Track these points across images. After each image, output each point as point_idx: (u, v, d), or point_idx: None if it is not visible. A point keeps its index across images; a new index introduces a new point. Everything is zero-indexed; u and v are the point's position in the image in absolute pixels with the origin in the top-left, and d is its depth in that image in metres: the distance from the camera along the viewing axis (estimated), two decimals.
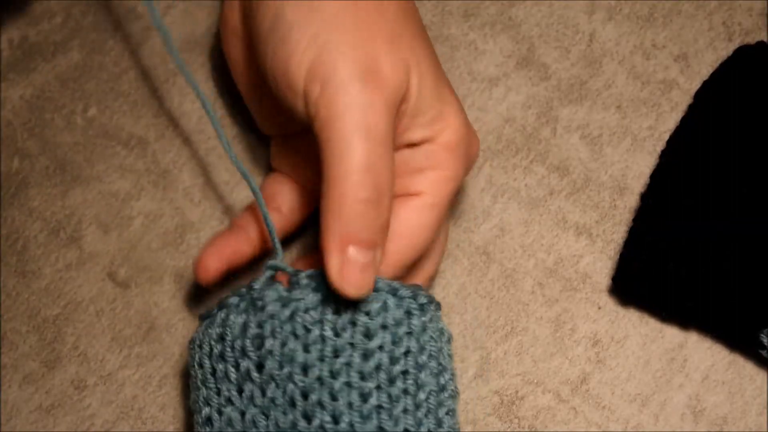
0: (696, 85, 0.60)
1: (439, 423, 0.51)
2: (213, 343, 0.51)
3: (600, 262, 0.59)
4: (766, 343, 0.56)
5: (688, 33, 0.62)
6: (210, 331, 0.52)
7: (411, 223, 0.52)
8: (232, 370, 0.51)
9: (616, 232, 0.59)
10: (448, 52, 0.62)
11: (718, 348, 0.58)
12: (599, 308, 0.59)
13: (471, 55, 0.62)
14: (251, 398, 0.50)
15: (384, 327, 0.51)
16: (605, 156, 0.60)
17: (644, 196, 0.58)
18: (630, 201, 0.60)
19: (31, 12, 0.63)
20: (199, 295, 0.59)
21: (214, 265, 0.55)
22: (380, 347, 0.50)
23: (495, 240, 0.60)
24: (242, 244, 0.56)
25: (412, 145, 0.52)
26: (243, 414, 0.50)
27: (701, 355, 0.58)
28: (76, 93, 0.62)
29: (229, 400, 0.51)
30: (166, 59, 0.62)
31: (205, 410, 0.51)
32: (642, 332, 0.58)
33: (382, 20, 0.51)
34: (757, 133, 0.57)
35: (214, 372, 0.51)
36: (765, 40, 0.60)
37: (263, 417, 0.50)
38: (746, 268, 0.55)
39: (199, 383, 0.52)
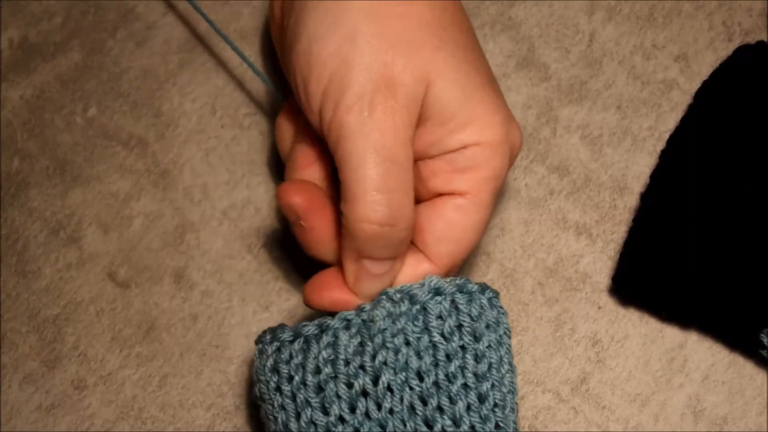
0: (696, 85, 0.60)
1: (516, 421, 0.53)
2: (320, 365, 0.51)
3: (600, 262, 0.59)
4: (766, 343, 0.56)
5: (688, 33, 0.62)
6: (311, 353, 0.51)
7: (459, 224, 0.52)
8: (345, 388, 0.50)
9: (616, 232, 0.59)
10: None
11: (718, 348, 0.58)
12: (599, 308, 0.59)
13: None
14: (366, 413, 0.50)
15: (488, 327, 0.51)
16: (605, 156, 0.60)
17: (644, 196, 0.58)
18: (630, 201, 0.60)
19: (31, 12, 0.63)
20: (201, 296, 0.59)
21: (298, 200, 0.52)
22: (489, 347, 0.51)
23: (495, 240, 0.60)
24: (333, 219, 0.53)
25: (454, 150, 0.52)
26: (357, 431, 0.50)
27: (701, 355, 0.58)
28: (76, 93, 0.62)
29: (341, 419, 0.50)
30: (166, 59, 0.62)
31: None
32: (642, 332, 0.58)
33: (406, 28, 0.50)
34: (757, 133, 0.57)
35: (318, 392, 0.51)
36: (765, 40, 0.60)
37: (380, 429, 0.50)
38: (746, 269, 0.55)
39: (296, 407, 0.51)
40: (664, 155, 0.58)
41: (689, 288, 0.56)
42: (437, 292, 0.51)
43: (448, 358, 0.51)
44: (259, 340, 0.53)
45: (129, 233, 0.60)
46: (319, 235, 0.53)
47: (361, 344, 0.51)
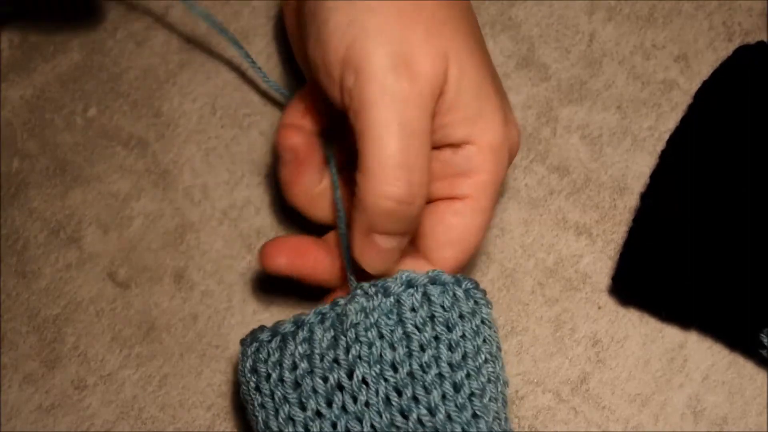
0: (696, 85, 0.60)
1: (505, 413, 0.53)
2: (297, 360, 0.51)
3: (600, 262, 0.59)
4: (766, 343, 0.56)
5: (688, 33, 0.62)
6: (287, 350, 0.52)
7: (460, 229, 0.52)
8: (320, 383, 0.51)
9: (616, 232, 0.59)
10: None
11: (718, 348, 0.58)
12: (599, 308, 0.59)
13: None
14: (343, 407, 0.50)
15: (461, 317, 0.51)
16: (605, 156, 0.60)
17: (644, 196, 0.58)
18: (630, 201, 0.60)
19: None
20: (201, 296, 0.59)
21: (282, 261, 0.54)
22: (463, 336, 0.51)
23: (495, 240, 0.60)
24: (320, 257, 0.54)
25: (452, 145, 0.51)
26: (335, 425, 0.50)
27: (701, 355, 0.58)
28: (76, 93, 0.62)
29: (318, 414, 0.51)
30: (166, 59, 0.62)
31: (288, 429, 0.51)
32: (642, 332, 0.58)
33: (425, 9, 0.50)
34: (757, 133, 0.57)
35: (295, 388, 0.51)
36: (765, 40, 0.60)
37: (357, 422, 0.50)
38: (746, 269, 0.55)
39: (274, 404, 0.51)
40: (664, 155, 0.58)
41: (689, 288, 0.56)
42: (410, 284, 0.51)
43: (422, 348, 0.51)
44: (242, 343, 0.53)
45: (129, 233, 0.60)
46: (318, 277, 0.54)
47: (335, 338, 0.51)
